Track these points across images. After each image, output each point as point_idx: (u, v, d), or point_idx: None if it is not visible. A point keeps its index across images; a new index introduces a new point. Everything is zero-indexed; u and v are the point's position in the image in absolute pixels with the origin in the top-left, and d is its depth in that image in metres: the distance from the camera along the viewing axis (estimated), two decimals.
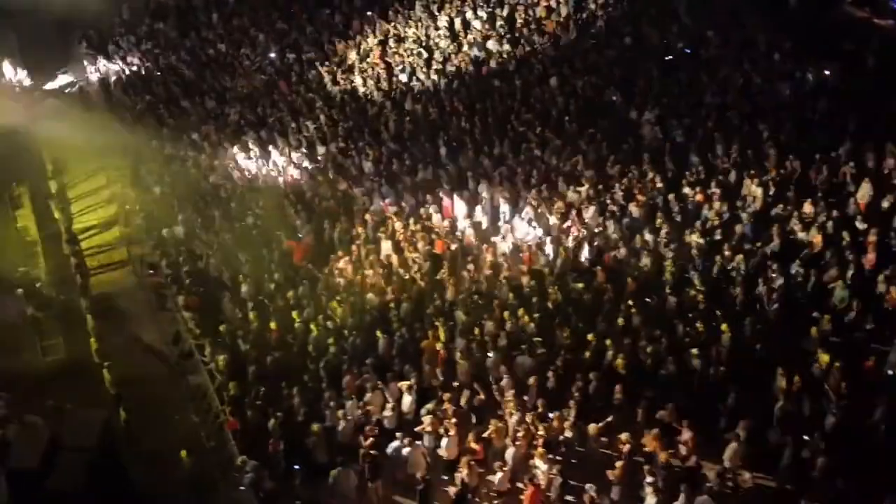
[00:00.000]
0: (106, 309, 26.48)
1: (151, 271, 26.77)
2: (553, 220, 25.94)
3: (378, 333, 22.84)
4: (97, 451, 19.93)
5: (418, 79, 33.80)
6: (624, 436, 19.47)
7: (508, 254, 25.30)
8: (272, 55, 36.50)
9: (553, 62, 33.53)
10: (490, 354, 22.11)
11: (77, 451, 19.80)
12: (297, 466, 20.29)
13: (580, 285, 23.52)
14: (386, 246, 25.85)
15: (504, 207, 26.81)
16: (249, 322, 23.86)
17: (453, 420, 20.32)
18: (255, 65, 36.06)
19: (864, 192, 24.48)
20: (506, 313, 22.94)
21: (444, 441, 20.11)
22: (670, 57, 33.11)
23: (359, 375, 21.92)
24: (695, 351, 21.03)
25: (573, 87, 32.05)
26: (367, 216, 27.01)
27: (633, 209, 25.94)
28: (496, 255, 25.06)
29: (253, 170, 30.06)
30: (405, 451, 19.98)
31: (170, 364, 24.52)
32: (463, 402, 21.11)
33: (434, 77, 33.57)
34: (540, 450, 19.20)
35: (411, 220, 26.65)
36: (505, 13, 35.98)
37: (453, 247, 25.58)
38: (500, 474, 19.33)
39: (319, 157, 30.20)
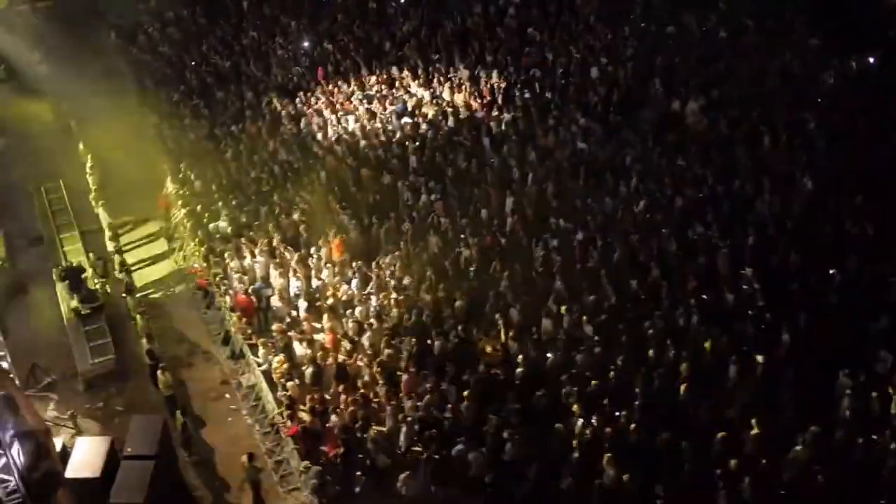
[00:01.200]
0: (152, 307, 26.20)
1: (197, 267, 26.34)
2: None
3: (433, 332, 22.45)
4: (158, 459, 19.61)
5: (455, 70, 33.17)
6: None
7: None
8: (306, 44, 35.86)
9: (591, 50, 32.99)
10: (549, 355, 21.73)
11: (138, 459, 19.49)
12: (358, 472, 20.04)
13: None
14: (434, 241, 25.38)
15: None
16: (302, 322, 23.47)
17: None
18: (289, 54, 35.44)
19: None
20: (562, 309, 22.51)
21: (507, 445, 19.82)
22: (710, 44, 32.57)
23: (416, 376, 21.58)
24: (759, 357, 20.64)
25: (614, 77, 31.52)
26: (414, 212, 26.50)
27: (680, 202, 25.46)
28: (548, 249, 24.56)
29: (295, 163, 29.47)
30: (470, 455, 19.68)
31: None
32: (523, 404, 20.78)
33: (472, 66, 32.95)
34: (608, 455, 18.93)
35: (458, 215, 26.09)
36: None
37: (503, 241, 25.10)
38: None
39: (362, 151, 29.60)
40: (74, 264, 27.09)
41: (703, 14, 34.01)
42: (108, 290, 26.95)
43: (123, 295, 26.12)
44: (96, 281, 26.87)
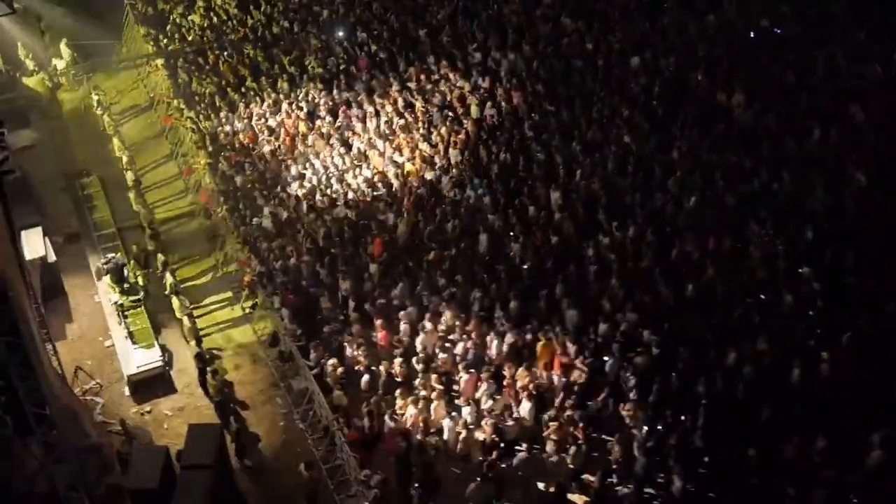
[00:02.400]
0: (196, 307, 25.83)
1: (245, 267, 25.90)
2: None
3: (489, 335, 22.05)
4: (216, 468, 19.25)
5: (493, 60, 32.52)
6: None
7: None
8: (340, 33, 35.18)
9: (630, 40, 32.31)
10: (606, 358, 21.32)
11: (196, 468, 19.12)
12: (416, 483, 19.67)
13: None
14: (483, 239, 24.90)
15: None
16: (351, 323, 23.05)
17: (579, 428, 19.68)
18: (323, 43, 34.80)
19: None
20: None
21: (571, 450, 19.47)
22: (752, 35, 31.86)
23: (474, 381, 21.19)
24: (824, 354, 20.20)
25: (656, 68, 30.88)
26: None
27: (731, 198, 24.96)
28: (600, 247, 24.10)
29: (337, 159, 28.95)
30: (531, 462, 19.34)
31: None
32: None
33: (511, 56, 32.29)
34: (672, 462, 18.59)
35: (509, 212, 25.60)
36: None
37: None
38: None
39: (402, 144, 29.04)
40: (117, 256, 26.65)
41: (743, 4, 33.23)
42: (149, 283, 26.68)
43: (167, 293, 25.63)
44: (137, 273, 26.56)
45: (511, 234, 25.18)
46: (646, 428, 19.64)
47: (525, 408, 20.61)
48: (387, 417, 20.71)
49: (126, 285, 25.62)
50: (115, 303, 25.54)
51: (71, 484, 15.77)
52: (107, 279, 25.89)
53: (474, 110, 29.86)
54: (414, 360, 22.11)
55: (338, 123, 30.43)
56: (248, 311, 26.09)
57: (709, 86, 29.73)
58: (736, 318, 21.85)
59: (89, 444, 17.18)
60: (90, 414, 19.35)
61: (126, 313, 25.10)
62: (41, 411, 14.69)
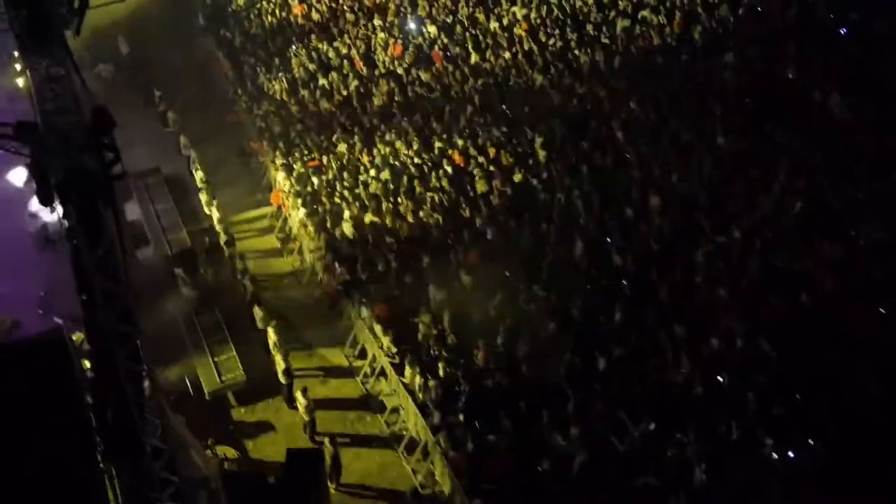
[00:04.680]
0: (279, 319, 24.61)
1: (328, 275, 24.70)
2: None
3: (597, 353, 20.69)
4: (313, 493, 18.04)
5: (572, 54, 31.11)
6: None
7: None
8: (412, 25, 33.81)
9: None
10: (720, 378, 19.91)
11: (294, 493, 17.90)
12: None
13: None
14: (579, 246, 23.54)
15: None
16: (447, 337, 21.73)
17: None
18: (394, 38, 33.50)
19: None
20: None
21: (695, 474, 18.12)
22: (844, 29, 30.29)
23: (582, 401, 19.85)
24: None
25: (746, 63, 29.33)
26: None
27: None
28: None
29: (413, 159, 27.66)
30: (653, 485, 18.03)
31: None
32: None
33: (589, 52, 30.90)
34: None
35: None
36: None
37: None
38: None
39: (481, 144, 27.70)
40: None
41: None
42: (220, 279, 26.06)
43: (247, 293, 24.55)
44: (209, 270, 25.92)
45: (608, 240, 23.73)
46: (774, 454, 18.20)
47: (642, 427, 19.22)
48: (491, 438, 19.35)
49: (197, 279, 25.21)
50: (187, 298, 25.07)
51: None
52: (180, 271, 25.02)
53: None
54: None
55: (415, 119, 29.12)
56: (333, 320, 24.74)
57: (802, 82, 28.27)
58: (858, 330, 20.34)
59: (201, 478, 15.92)
60: (192, 437, 18.14)
61: (207, 332, 24.01)
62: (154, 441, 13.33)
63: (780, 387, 19.46)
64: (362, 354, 23.38)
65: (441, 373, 20.79)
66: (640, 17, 32.20)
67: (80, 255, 14.21)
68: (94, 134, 11.80)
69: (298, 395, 21.33)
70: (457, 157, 27.21)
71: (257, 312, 23.84)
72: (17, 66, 30.08)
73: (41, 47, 12.62)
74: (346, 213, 25.87)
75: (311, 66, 33.17)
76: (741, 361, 20.17)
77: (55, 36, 12.46)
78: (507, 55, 31.67)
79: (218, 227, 27.14)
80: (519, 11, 33.51)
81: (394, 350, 21.87)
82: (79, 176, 11.55)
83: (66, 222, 14.87)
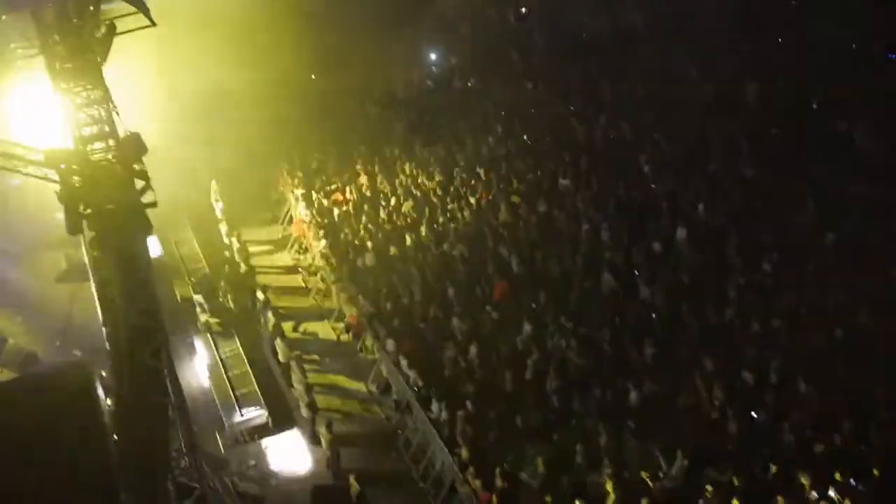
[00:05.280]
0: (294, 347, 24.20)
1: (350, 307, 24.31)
2: None
3: (630, 386, 20.20)
4: None
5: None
6: None
7: None
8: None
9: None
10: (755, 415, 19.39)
11: None
12: None
13: None
14: (608, 279, 23.11)
15: None
16: (475, 371, 21.27)
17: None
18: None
19: None
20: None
21: None
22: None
23: (615, 437, 19.34)
24: None
25: (768, 94, 29.06)
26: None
27: None
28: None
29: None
30: None
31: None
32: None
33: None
34: None
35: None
36: None
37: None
38: None
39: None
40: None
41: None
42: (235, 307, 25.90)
43: (269, 325, 24.12)
44: (229, 298, 25.80)
45: (636, 272, 23.33)
46: (813, 493, 17.61)
47: (677, 464, 18.69)
48: (523, 475, 18.83)
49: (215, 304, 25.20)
50: (204, 322, 24.93)
51: None
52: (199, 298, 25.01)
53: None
54: None
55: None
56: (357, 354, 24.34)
57: (827, 113, 28.00)
58: None
59: None
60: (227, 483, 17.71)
61: (226, 364, 23.61)
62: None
63: (818, 423, 18.92)
64: (386, 389, 22.85)
65: (469, 407, 20.28)
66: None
67: (108, 287, 13.94)
68: (130, 161, 11.48)
69: (322, 429, 20.84)
70: (479, 188, 26.80)
71: (279, 345, 23.40)
72: None
73: (78, 75, 12.32)
74: (369, 244, 25.47)
75: None
76: (776, 397, 19.66)
77: (92, 62, 12.16)
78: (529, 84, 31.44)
79: (238, 258, 26.74)
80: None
81: (419, 384, 21.37)
82: (121, 201, 11.17)
83: (93, 253, 14.64)
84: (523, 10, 34.93)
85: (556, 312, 22.48)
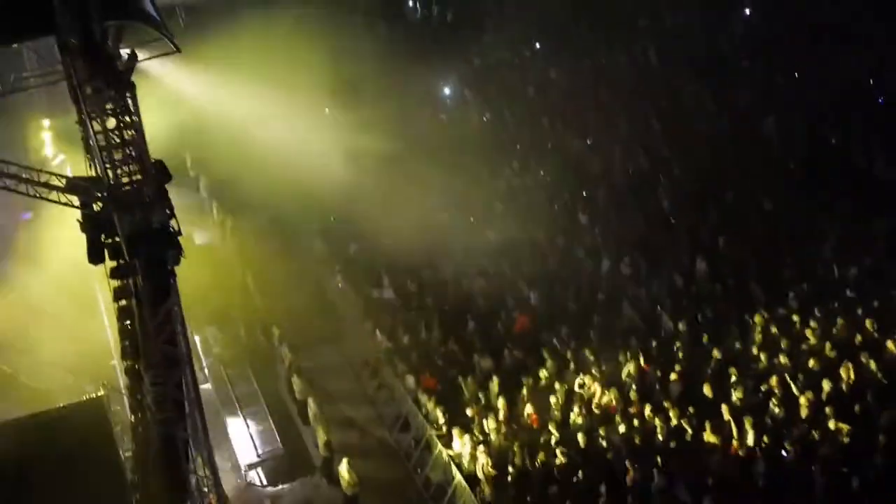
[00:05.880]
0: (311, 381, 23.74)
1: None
2: None
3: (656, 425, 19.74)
4: None
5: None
6: None
7: None
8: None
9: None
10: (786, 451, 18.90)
11: None
12: None
13: None
14: (628, 315, 22.77)
15: None
16: (497, 408, 20.82)
17: None
18: None
19: None
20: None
21: None
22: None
23: (642, 475, 18.84)
24: None
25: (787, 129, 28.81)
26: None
27: None
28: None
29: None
30: None
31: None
32: None
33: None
34: None
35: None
36: None
37: None
38: None
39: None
40: None
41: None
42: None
43: (285, 362, 23.80)
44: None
45: (659, 307, 23.00)
46: None
47: None
48: None
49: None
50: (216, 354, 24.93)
51: None
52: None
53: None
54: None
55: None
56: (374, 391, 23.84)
57: (846, 148, 27.77)
58: None
59: None
60: None
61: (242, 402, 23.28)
62: None
63: (850, 461, 18.45)
64: (405, 427, 22.38)
65: (493, 444, 19.84)
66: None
67: (128, 319, 13.61)
68: (156, 187, 11.19)
69: (342, 470, 20.28)
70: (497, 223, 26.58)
71: (296, 382, 22.99)
72: None
73: (101, 100, 12.05)
74: (386, 280, 25.16)
75: None
76: (805, 433, 19.20)
77: (126, 84, 11.89)
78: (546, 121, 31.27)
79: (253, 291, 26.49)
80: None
81: (441, 421, 20.92)
82: (150, 228, 10.84)
83: (114, 284, 14.31)
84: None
85: (577, 347, 22.11)
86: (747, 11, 34.67)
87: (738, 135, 29.03)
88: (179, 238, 12.45)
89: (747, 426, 19.18)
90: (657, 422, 19.63)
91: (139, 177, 11.47)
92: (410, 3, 38.87)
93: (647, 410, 19.84)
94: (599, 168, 28.70)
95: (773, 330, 21.61)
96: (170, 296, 11.59)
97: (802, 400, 19.63)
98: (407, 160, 30.11)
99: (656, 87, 31.93)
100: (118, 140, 11.70)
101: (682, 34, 34.22)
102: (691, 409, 19.88)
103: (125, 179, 11.41)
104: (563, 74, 33.56)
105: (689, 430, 19.50)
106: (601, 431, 19.80)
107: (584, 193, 27.31)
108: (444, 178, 28.61)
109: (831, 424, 19.02)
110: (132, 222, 11.09)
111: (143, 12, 14.07)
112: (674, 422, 19.75)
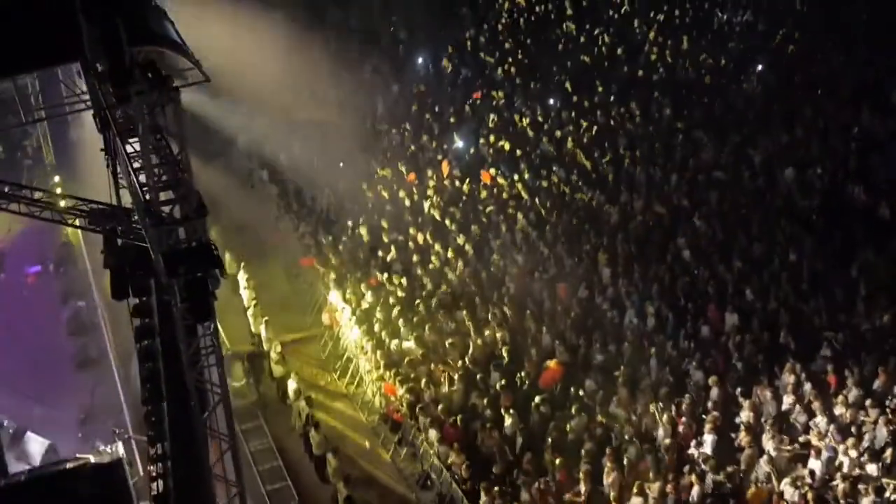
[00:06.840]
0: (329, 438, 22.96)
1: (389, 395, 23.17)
2: None
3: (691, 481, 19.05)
4: None
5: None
6: None
7: None
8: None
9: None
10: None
11: None
12: None
13: None
14: (654, 367, 22.12)
15: None
16: (524, 461, 20.08)
17: None
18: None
19: None
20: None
21: None
22: None
23: None
24: None
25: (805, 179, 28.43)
26: None
27: None
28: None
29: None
30: None
31: None
32: None
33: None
34: None
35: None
36: None
37: None
38: None
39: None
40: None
41: None
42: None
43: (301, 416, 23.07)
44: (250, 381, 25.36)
45: (686, 359, 22.38)
46: None
47: None
48: None
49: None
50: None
51: None
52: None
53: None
54: None
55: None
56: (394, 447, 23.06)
57: (868, 199, 27.35)
58: None
59: None
60: None
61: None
62: None
63: None
64: (427, 482, 21.58)
65: (523, 499, 19.09)
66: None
67: (150, 360, 13.01)
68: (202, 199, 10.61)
69: None
70: (517, 272, 25.97)
71: (314, 437, 22.20)
72: None
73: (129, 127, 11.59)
74: (404, 331, 24.47)
75: None
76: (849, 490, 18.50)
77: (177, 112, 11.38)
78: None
79: (266, 346, 25.68)
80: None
81: (466, 476, 20.14)
82: (190, 244, 10.18)
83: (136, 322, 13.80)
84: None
85: (605, 399, 21.47)
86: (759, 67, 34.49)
87: (757, 187, 28.58)
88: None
89: (787, 482, 18.61)
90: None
91: (180, 190, 10.91)
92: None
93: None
94: (616, 218, 28.13)
95: (808, 385, 21.04)
96: (210, 319, 10.88)
97: (842, 454, 19.09)
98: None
99: (672, 140, 31.51)
100: (157, 159, 11.20)
101: (695, 89, 34.00)
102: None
103: (163, 198, 10.87)
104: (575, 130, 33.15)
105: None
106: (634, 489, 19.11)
107: (603, 243, 26.64)
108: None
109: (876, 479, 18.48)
110: (171, 238, 10.42)
111: (170, 40, 13.67)
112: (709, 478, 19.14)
